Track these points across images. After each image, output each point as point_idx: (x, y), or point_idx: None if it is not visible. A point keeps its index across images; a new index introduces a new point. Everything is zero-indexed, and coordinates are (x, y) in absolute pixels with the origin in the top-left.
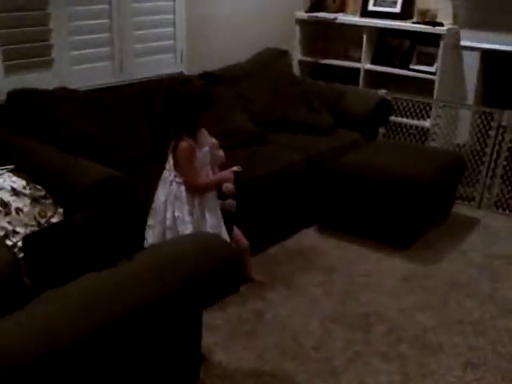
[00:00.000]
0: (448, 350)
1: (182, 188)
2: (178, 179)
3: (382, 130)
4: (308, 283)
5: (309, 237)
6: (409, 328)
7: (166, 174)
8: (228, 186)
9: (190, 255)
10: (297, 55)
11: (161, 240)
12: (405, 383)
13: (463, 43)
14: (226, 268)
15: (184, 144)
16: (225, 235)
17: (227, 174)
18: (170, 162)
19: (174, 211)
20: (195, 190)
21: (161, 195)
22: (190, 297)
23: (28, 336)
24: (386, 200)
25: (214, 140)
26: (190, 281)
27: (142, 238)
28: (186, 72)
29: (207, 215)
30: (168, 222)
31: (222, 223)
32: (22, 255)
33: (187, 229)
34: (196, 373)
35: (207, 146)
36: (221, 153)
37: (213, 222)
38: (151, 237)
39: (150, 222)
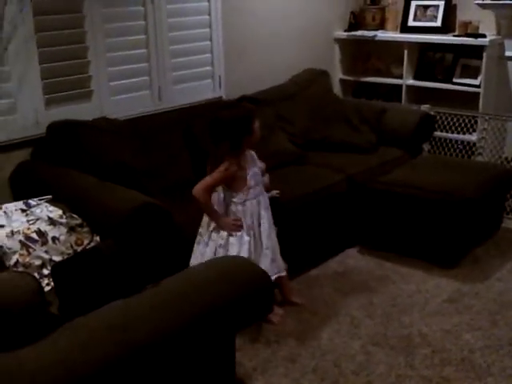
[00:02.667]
0: (497, 372)
1: (239, 207)
2: (234, 199)
3: (426, 146)
4: (349, 305)
5: (351, 258)
6: (454, 350)
7: (214, 196)
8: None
9: (216, 280)
10: (337, 74)
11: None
12: None
13: (508, 53)
14: (253, 294)
15: (226, 163)
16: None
17: (228, 224)
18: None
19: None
20: (196, 195)
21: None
22: (216, 323)
23: (49, 367)
24: (430, 217)
25: (262, 164)
26: (216, 307)
27: (176, 262)
28: (224, 97)
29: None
30: (219, 241)
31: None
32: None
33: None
34: None
35: (256, 168)
36: (266, 179)
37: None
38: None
39: (197, 242)
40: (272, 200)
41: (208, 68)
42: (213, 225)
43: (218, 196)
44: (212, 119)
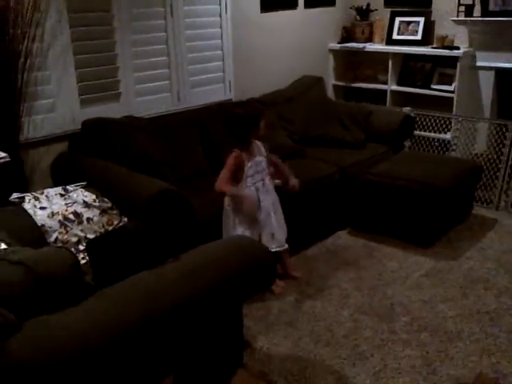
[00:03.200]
0: (466, 337)
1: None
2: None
3: (407, 143)
4: (340, 279)
5: (342, 238)
6: (430, 318)
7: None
8: (248, 208)
9: (227, 256)
10: (331, 80)
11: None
12: (425, 367)
13: (479, 63)
14: (258, 267)
15: (233, 153)
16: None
17: (251, 197)
18: None
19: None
20: (217, 191)
21: (226, 206)
22: (227, 292)
23: (83, 329)
24: (411, 204)
25: (274, 156)
26: (227, 278)
27: (192, 240)
28: (233, 99)
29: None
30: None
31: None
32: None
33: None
34: (240, 357)
35: (261, 157)
36: (275, 158)
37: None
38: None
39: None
40: (277, 188)
41: (220, 74)
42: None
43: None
44: (227, 114)
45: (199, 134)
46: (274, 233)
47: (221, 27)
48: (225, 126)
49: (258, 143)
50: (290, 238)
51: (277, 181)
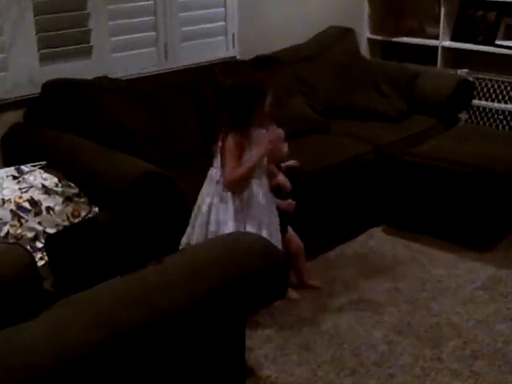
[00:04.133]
0: None
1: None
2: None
3: (463, 116)
4: (372, 290)
5: (375, 238)
6: (487, 342)
7: (212, 171)
8: (280, 179)
9: (225, 258)
10: (365, 33)
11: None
12: None
13: None
14: (265, 274)
15: (230, 140)
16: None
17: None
18: (218, 159)
19: (219, 214)
20: (233, 185)
21: (206, 195)
22: (223, 306)
23: (42, 348)
24: (464, 194)
25: (279, 131)
26: (223, 288)
27: (181, 237)
28: (238, 56)
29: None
30: (212, 227)
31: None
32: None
33: None
34: None
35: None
36: (285, 147)
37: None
38: (187, 238)
39: (191, 222)
40: (289, 171)
41: (220, 23)
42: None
43: (212, 172)
44: (215, 88)
45: (192, 101)
46: (271, 231)
47: None
48: (216, 103)
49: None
50: (308, 237)
51: (292, 161)
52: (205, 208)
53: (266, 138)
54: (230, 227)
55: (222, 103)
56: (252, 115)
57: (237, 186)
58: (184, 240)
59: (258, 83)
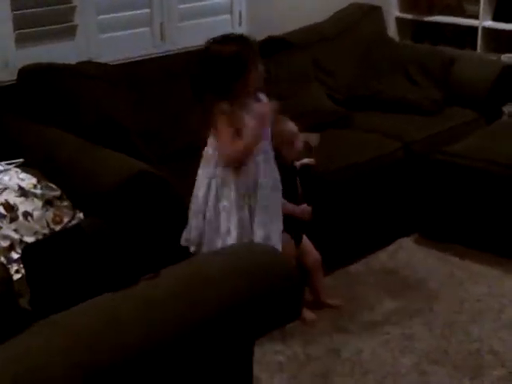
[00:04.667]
0: None
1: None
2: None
3: (507, 109)
4: (401, 311)
5: (405, 249)
6: None
7: (208, 152)
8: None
9: (230, 274)
10: (393, 12)
11: (197, 236)
12: None
13: None
14: (279, 289)
15: (220, 107)
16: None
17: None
18: (211, 138)
19: (220, 200)
20: (236, 161)
21: (202, 180)
22: (228, 328)
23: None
24: (510, 200)
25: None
26: (228, 308)
27: (179, 247)
28: None
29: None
30: (208, 214)
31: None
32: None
33: (232, 225)
34: None
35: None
36: (299, 143)
37: (261, 233)
38: (186, 232)
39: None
40: (303, 170)
41: (225, 0)
42: None
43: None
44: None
45: (192, 89)
46: (269, 233)
47: None
48: (201, 74)
49: (261, 97)
50: (326, 248)
51: (307, 159)
52: (201, 195)
53: (258, 108)
54: (233, 215)
55: (204, 74)
56: (235, 87)
57: (242, 160)
58: (184, 235)
59: (245, 54)
